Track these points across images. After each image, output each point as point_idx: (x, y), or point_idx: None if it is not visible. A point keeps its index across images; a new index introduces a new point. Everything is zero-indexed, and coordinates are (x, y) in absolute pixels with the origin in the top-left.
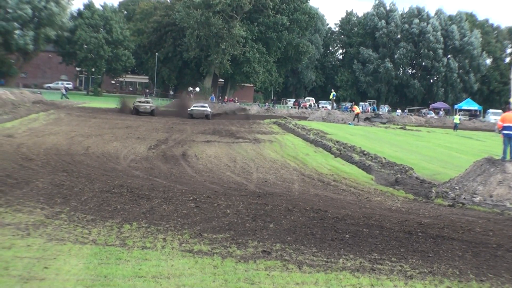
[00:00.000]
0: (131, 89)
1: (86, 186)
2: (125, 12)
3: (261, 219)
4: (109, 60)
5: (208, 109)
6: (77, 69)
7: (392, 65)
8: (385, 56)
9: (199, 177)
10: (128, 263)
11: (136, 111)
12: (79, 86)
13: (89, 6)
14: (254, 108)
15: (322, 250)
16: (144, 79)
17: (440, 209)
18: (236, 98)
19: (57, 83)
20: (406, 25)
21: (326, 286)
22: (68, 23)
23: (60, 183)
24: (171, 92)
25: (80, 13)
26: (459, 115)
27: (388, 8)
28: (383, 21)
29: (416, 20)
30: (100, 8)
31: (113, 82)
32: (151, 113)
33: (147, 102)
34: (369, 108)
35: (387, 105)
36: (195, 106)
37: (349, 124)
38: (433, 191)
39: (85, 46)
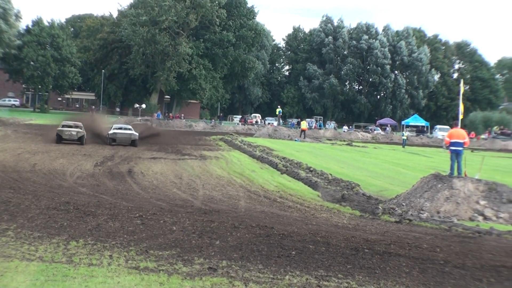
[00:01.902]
0: (77, 106)
1: (33, 203)
2: (72, 28)
3: (207, 236)
4: (56, 77)
5: (135, 133)
6: (24, 86)
7: (337, 81)
8: (332, 72)
9: (145, 194)
10: (75, 280)
11: (59, 138)
12: (26, 103)
13: (37, 23)
14: (200, 125)
15: (268, 267)
16: (90, 96)
17: (387, 226)
18: (183, 114)
19: (4, 100)
20: (354, 41)
21: None
22: (15, 40)
23: (7, 200)
24: (118, 109)
25: (28, 30)
26: (406, 131)
27: (335, 24)
28: (330, 37)
29: (365, 36)
30: (48, 24)
31: (59, 99)
32: (79, 140)
33: (76, 126)
34: (316, 125)
35: (333, 121)
36: (118, 129)
37: (295, 140)
38: (379, 207)
39: (32, 63)
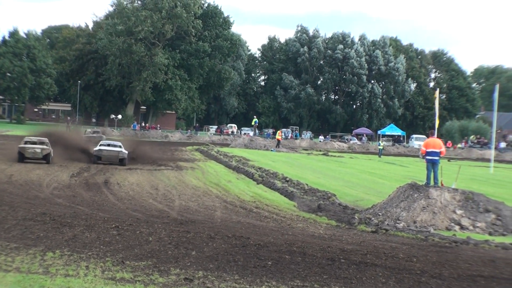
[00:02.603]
0: (53, 116)
1: (9, 214)
2: (48, 39)
3: (183, 246)
4: (32, 88)
5: (124, 150)
6: (0, 97)
7: (313, 91)
8: (307, 82)
9: (121, 204)
10: None
11: (21, 157)
12: (3, 114)
13: (13, 34)
14: (176, 135)
15: (245, 277)
16: (66, 106)
17: (363, 236)
18: (159, 125)
19: None
20: (330, 51)
21: None
22: None
23: None
24: (94, 120)
25: (4, 41)
26: (382, 141)
27: (311, 34)
28: (306, 47)
29: (341, 46)
30: (24, 36)
31: (36, 110)
32: (45, 158)
33: (41, 143)
34: (292, 135)
35: (309, 131)
36: (104, 145)
37: (271, 150)
38: (356, 217)
39: (8, 74)
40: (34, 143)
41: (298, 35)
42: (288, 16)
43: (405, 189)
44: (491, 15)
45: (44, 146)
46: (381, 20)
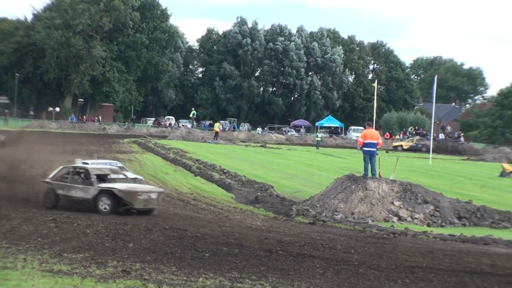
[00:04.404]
0: None
1: None
2: None
3: (120, 238)
4: None
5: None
6: None
7: (255, 83)
8: (247, 74)
9: None
10: None
11: None
12: None
13: None
14: (114, 128)
15: (182, 269)
16: (3, 99)
17: (301, 227)
18: (100, 117)
19: None
20: (271, 43)
21: None
22: None
23: None
24: (31, 113)
25: None
26: (320, 132)
27: (250, 26)
28: (248, 39)
29: (280, 38)
30: None
31: None
32: None
33: None
34: (230, 127)
35: (247, 123)
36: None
37: (209, 142)
38: (293, 209)
39: None
40: None
41: (238, 26)
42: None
43: (342, 180)
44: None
45: None
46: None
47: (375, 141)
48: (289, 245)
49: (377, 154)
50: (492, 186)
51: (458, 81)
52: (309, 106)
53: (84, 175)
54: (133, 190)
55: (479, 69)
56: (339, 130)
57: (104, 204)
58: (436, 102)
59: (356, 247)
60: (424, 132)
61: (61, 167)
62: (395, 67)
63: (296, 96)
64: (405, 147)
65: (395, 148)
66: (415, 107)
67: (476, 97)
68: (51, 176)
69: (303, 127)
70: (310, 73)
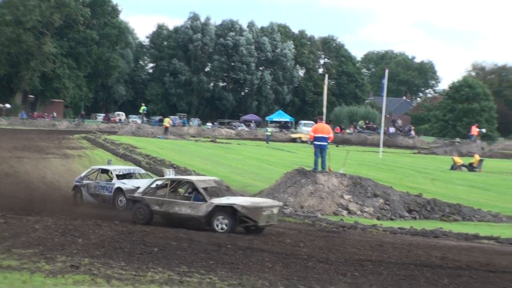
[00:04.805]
0: None
1: None
2: None
3: (70, 234)
4: None
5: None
6: None
7: (205, 78)
8: (198, 69)
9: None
10: None
11: None
12: None
13: None
14: (64, 124)
15: (131, 264)
16: None
17: None
18: (55, 113)
19: None
20: (222, 39)
21: None
22: None
23: None
24: None
25: None
26: (270, 127)
27: (203, 21)
28: (199, 34)
29: (232, 33)
30: None
31: None
32: None
33: None
34: (180, 122)
35: (198, 118)
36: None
37: (159, 138)
38: None
39: None
40: None
41: (190, 22)
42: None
43: (292, 174)
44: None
45: None
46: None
47: (326, 135)
48: (238, 239)
49: (327, 148)
50: (443, 179)
51: (409, 75)
52: (260, 101)
53: (187, 189)
54: (258, 205)
55: (431, 62)
56: (289, 125)
57: (221, 224)
58: (387, 96)
59: (305, 240)
60: (375, 126)
61: (153, 179)
62: (346, 62)
63: (246, 91)
64: (303, 139)
65: (294, 140)
66: (366, 101)
67: (427, 91)
68: (140, 191)
69: (253, 121)
70: (260, 68)
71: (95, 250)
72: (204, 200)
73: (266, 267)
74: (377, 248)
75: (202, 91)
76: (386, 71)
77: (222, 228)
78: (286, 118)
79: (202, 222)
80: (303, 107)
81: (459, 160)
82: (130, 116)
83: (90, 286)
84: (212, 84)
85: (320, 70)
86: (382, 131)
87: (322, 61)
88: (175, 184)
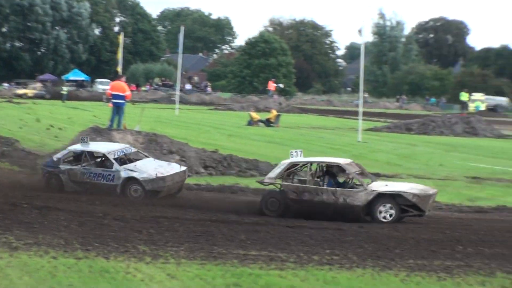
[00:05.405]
0: None
1: None
2: None
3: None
4: None
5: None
6: None
7: (1, 38)
8: None
9: None
10: None
11: None
12: None
13: None
14: None
15: None
16: None
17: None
18: None
19: None
20: None
21: None
22: None
23: None
24: None
25: None
26: (66, 86)
27: None
28: None
29: None
30: None
31: None
32: None
33: None
34: None
35: None
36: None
37: None
38: (38, 162)
39: None
40: None
41: None
42: None
43: (87, 133)
44: None
45: None
46: None
47: (122, 94)
48: (35, 199)
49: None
50: (240, 135)
51: (205, 32)
52: (56, 60)
53: (337, 173)
54: (427, 193)
55: (227, 19)
56: (85, 83)
57: (386, 213)
58: (183, 53)
59: (101, 199)
60: (171, 83)
61: (284, 162)
62: (142, 19)
63: (43, 50)
64: (30, 94)
65: (20, 96)
66: (162, 59)
67: (223, 47)
68: (272, 175)
69: (49, 80)
70: (56, 27)
71: None
72: (361, 187)
73: (61, 225)
74: (174, 205)
75: None
76: (182, 28)
77: (384, 217)
78: (82, 76)
79: (360, 211)
80: (99, 66)
81: (256, 115)
82: None
83: None
84: (8, 44)
85: (116, 29)
86: (178, 88)
87: (118, 19)
88: (316, 167)
